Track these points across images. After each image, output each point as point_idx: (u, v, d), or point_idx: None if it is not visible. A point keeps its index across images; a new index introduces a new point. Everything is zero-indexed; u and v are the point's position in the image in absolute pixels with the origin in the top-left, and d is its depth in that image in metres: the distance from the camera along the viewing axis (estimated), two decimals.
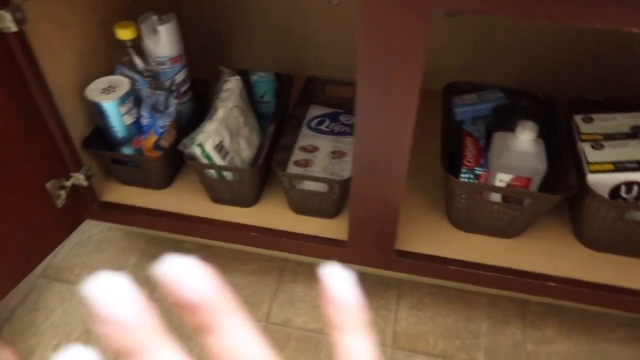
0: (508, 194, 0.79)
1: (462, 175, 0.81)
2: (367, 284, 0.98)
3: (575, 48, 1.02)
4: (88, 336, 0.90)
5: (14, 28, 0.65)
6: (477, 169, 0.81)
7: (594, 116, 0.88)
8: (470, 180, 0.81)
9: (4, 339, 0.88)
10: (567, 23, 0.50)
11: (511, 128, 0.78)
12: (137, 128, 0.87)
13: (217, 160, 0.84)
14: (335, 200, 0.84)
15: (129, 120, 0.85)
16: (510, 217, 0.81)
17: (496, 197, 0.81)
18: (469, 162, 0.82)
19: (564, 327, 0.91)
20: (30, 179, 0.77)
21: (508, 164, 0.78)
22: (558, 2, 0.48)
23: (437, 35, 1.05)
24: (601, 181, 0.78)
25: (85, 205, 0.89)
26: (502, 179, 0.79)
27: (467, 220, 0.84)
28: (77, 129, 0.85)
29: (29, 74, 0.70)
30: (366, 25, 0.55)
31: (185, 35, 1.18)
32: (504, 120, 0.86)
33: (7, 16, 0.64)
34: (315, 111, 1.03)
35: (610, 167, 0.78)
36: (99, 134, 0.88)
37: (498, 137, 0.81)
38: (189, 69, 0.95)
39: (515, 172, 0.78)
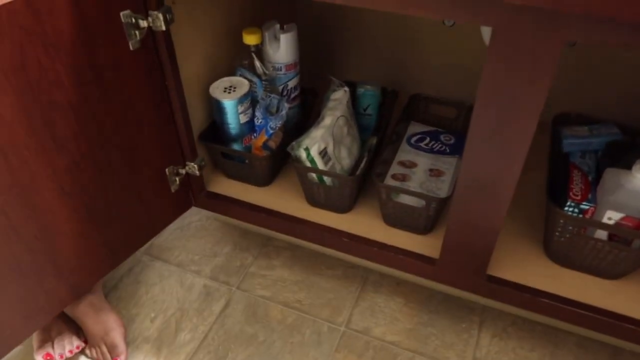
0: (618, 233, 0.76)
1: (567, 207, 0.79)
2: (451, 305, 0.97)
3: None
4: (182, 314, 0.97)
5: (163, 27, 0.72)
6: (584, 203, 0.79)
7: None
8: (575, 214, 0.79)
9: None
10: None
11: (626, 165, 0.76)
12: (249, 127, 0.93)
13: (320, 164, 0.88)
14: (429, 217, 0.85)
15: (244, 119, 0.91)
16: (615, 257, 0.78)
17: (602, 234, 0.78)
18: (575, 195, 0.80)
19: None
20: (153, 162, 0.84)
21: (620, 202, 0.75)
22: None
23: None
24: None
25: (194, 193, 0.97)
26: (611, 217, 0.76)
27: (566, 255, 0.81)
28: (197, 121, 0.93)
29: (168, 68, 0.78)
30: (495, 49, 0.56)
31: (300, 46, 1.25)
32: (617, 157, 0.83)
33: (160, 17, 0.71)
34: (416, 128, 1.04)
35: None
36: (214, 129, 0.95)
37: (611, 174, 0.78)
38: (300, 76, 1.01)
39: (627, 212, 0.75)
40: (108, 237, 0.82)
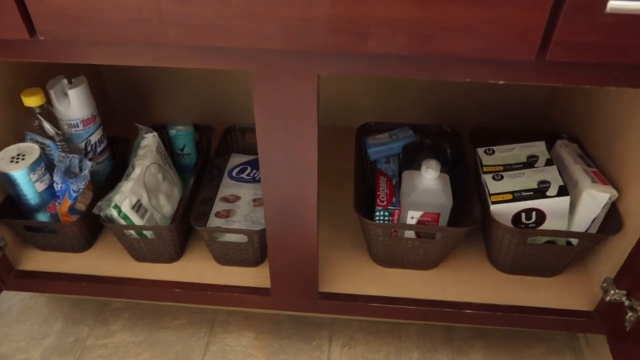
0: (418, 230, 0.83)
1: (377, 214, 0.85)
2: (300, 326, 0.99)
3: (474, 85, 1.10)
4: None
5: None
6: (390, 207, 0.85)
7: (495, 148, 0.94)
8: (385, 219, 0.85)
9: None
10: (437, 78, 0.55)
11: (418, 166, 0.83)
12: (50, 194, 0.86)
13: (136, 219, 0.84)
14: (255, 249, 0.85)
15: (41, 187, 0.84)
16: (425, 250, 0.85)
17: (410, 233, 0.85)
18: (382, 201, 0.86)
19: (490, 349, 0.96)
20: None
21: (417, 202, 0.82)
22: (420, 63, 0.53)
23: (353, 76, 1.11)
24: (503, 210, 0.84)
25: (1, 276, 0.86)
26: (413, 216, 0.83)
27: (386, 256, 0.87)
28: None
29: None
30: (260, 86, 0.58)
31: (105, 94, 1.19)
32: (412, 158, 0.91)
33: None
34: (236, 159, 1.05)
35: (509, 196, 0.84)
36: (12, 202, 0.86)
37: (406, 176, 0.86)
38: (109, 128, 0.95)
39: (424, 209, 0.82)
40: None
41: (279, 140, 0.63)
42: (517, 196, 0.84)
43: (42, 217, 0.87)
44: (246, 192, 0.97)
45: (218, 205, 0.94)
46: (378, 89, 1.14)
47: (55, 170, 0.85)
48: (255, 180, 1.00)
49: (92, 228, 0.92)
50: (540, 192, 0.82)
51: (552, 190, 0.82)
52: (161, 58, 0.57)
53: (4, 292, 0.88)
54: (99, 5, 0.51)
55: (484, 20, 0.49)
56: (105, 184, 0.94)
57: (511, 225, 0.84)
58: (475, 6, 0.48)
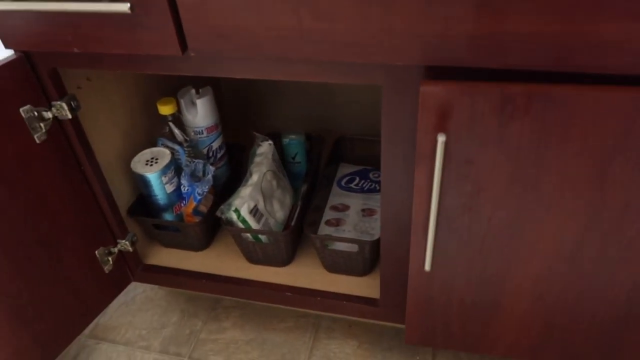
0: None
1: None
2: (403, 338, 0.98)
3: None
4: None
5: (69, 116, 0.72)
6: None
7: None
8: None
9: None
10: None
11: None
12: (177, 195, 0.93)
13: (252, 223, 0.88)
14: (366, 259, 0.86)
15: (170, 188, 0.91)
16: None
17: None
18: None
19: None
20: (78, 249, 0.82)
21: None
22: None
23: None
24: None
25: (131, 269, 0.95)
26: None
27: None
28: (123, 197, 0.92)
29: (82, 153, 0.77)
30: (389, 100, 0.59)
31: (223, 103, 1.26)
32: None
33: (65, 106, 0.71)
34: (345, 169, 1.07)
35: None
36: (143, 201, 0.94)
37: None
38: (225, 135, 1.01)
39: None
40: (38, 333, 0.79)
41: (402, 152, 0.63)
42: None
43: (169, 217, 0.94)
44: (355, 202, 0.98)
45: (328, 214, 0.96)
46: None
47: (183, 174, 0.91)
48: (363, 190, 1.01)
49: (211, 229, 0.98)
50: None
51: None
52: (295, 73, 0.60)
53: (131, 283, 0.96)
54: (246, 24, 0.55)
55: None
56: (223, 188, 1.00)
57: None
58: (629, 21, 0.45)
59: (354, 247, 0.85)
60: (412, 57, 0.53)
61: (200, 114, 0.94)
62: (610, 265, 0.63)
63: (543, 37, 0.49)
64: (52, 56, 0.66)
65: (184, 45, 0.58)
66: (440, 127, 0.55)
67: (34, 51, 0.66)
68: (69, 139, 0.75)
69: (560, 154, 0.54)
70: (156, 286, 1.13)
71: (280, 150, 1.06)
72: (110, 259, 0.88)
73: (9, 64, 0.64)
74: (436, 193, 0.58)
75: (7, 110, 0.66)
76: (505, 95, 0.51)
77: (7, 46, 0.65)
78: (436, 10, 0.49)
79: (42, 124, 0.70)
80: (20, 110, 0.67)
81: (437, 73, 0.55)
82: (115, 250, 0.89)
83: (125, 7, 0.53)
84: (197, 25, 0.56)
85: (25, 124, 0.68)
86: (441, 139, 0.53)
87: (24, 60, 0.66)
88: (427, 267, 0.66)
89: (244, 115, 1.26)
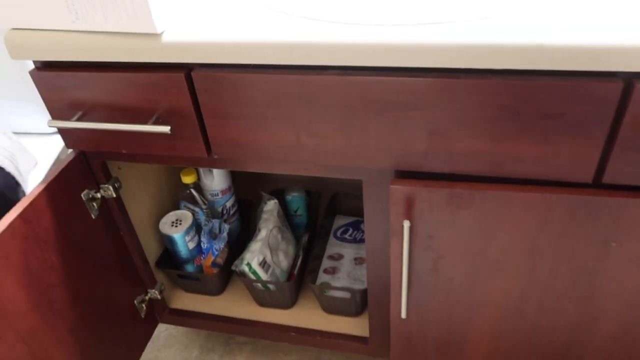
0: None
1: None
2: None
3: None
4: None
5: (114, 195, 0.89)
6: None
7: None
8: None
9: None
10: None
11: None
12: (198, 250, 1.09)
13: (262, 274, 1.05)
14: (357, 303, 1.03)
15: (192, 245, 1.08)
16: None
17: None
18: None
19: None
20: (124, 301, 0.99)
21: None
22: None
23: None
24: None
25: (158, 312, 1.11)
26: None
27: None
28: (152, 252, 1.09)
29: (122, 222, 0.95)
30: (369, 190, 0.76)
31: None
32: None
33: (110, 188, 0.88)
34: (340, 221, 1.24)
35: None
36: (168, 254, 1.11)
37: None
38: (236, 193, 1.19)
39: None
40: None
41: (382, 228, 0.80)
42: None
43: (190, 268, 1.11)
44: (348, 251, 1.15)
45: (325, 263, 1.13)
46: None
47: (202, 232, 1.08)
48: (355, 240, 1.18)
49: (226, 277, 1.15)
50: None
51: None
52: (295, 169, 0.77)
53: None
54: (256, 138, 0.72)
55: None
56: (236, 240, 1.17)
57: None
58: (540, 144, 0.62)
59: (347, 294, 1.02)
60: (384, 164, 0.70)
61: (216, 180, 1.12)
62: (549, 313, 0.80)
63: (479, 153, 0.66)
64: (103, 154, 0.84)
65: (209, 150, 0.76)
66: (407, 214, 0.72)
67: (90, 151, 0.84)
68: (112, 212, 0.92)
69: (499, 232, 0.71)
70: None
71: (284, 205, 1.23)
72: (144, 305, 1.05)
73: (73, 161, 0.81)
74: (406, 260, 0.75)
75: (74, 195, 0.83)
76: (455, 192, 0.69)
77: (68, 147, 0.82)
78: (400, 135, 0.66)
79: (94, 203, 0.88)
80: (82, 194, 0.84)
81: (403, 174, 0.72)
82: (147, 297, 1.06)
83: (166, 129, 0.71)
84: (220, 139, 0.73)
85: (85, 204, 0.85)
86: (407, 224, 0.71)
87: (82, 156, 0.84)
88: (404, 315, 0.83)
89: (252, 176, 1.44)
